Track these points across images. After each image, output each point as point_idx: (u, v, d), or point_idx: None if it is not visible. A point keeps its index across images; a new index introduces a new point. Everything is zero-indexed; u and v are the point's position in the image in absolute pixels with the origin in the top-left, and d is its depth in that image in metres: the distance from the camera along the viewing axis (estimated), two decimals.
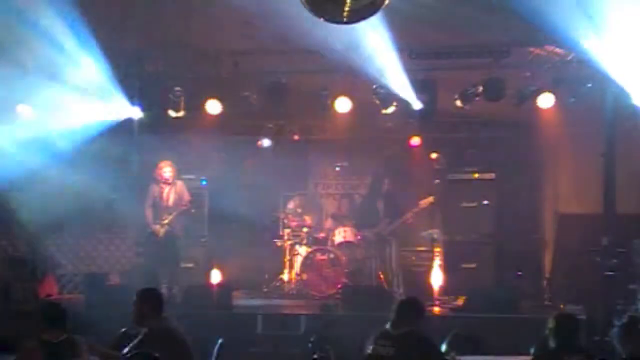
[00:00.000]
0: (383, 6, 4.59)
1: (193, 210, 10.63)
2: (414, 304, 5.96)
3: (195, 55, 9.98)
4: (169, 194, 10.33)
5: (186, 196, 10.44)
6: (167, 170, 10.32)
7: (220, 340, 6.39)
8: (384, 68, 9.44)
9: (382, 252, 10.77)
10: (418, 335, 5.65)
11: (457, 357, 5.91)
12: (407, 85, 9.68)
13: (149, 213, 10.32)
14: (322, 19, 4.70)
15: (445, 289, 10.57)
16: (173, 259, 10.41)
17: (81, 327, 6.00)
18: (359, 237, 11.11)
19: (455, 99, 10.09)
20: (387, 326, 5.73)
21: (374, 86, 9.91)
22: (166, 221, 10.19)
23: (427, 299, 10.16)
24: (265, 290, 11.69)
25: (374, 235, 10.80)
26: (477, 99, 9.90)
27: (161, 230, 10.19)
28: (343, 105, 10.11)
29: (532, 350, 5.73)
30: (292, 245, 11.60)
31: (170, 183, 10.34)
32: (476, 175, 11.42)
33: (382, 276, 10.77)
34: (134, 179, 10.86)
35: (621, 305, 8.52)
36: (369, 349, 5.67)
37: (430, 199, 10.54)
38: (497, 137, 11.81)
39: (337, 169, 12.59)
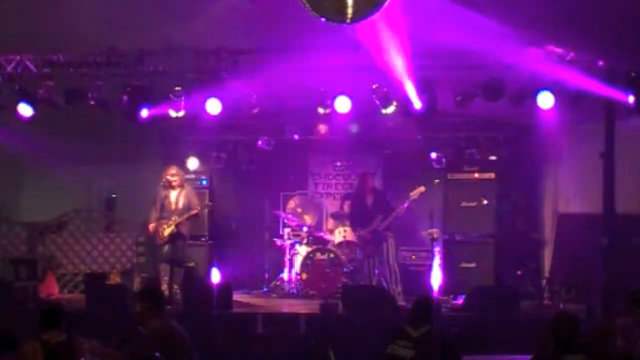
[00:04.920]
0: (384, 6, 4.59)
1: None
2: (431, 303, 5.86)
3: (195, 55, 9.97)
4: (179, 198, 10.38)
5: (195, 200, 10.49)
6: (173, 175, 10.38)
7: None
8: (384, 68, 9.44)
9: (380, 250, 10.77)
10: (438, 336, 5.58)
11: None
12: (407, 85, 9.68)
13: (154, 214, 10.34)
14: (323, 19, 4.70)
15: (445, 289, 10.57)
16: (176, 259, 10.43)
17: (81, 327, 6.01)
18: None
19: (455, 99, 10.07)
20: (405, 326, 5.60)
21: (374, 86, 9.90)
22: (173, 222, 10.23)
23: None
24: (265, 290, 11.70)
25: (369, 233, 10.79)
26: (476, 99, 9.90)
27: (167, 230, 10.21)
28: (343, 105, 10.11)
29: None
30: (292, 245, 11.60)
31: (177, 187, 10.39)
32: (476, 175, 11.42)
33: (381, 275, 10.76)
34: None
35: None
36: (387, 349, 5.56)
37: (421, 188, 10.52)
38: (497, 137, 11.81)
39: (337, 168, 12.59)
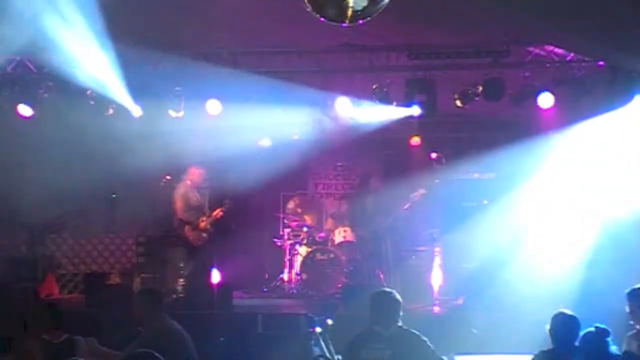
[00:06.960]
0: (384, 5, 4.59)
1: None
2: (397, 298, 5.76)
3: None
4: (198, 198, 10.50)
5: None
6: (202, 175, 10.46)
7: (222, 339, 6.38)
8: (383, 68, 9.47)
9: (379, 250, 10.78)
10: (409, 331, 5.57)
11: (457, 357, 5.89)
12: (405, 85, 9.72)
13: (186, 213, 10.37)
14: (323, 20, 4.69)
15: (445, 289, 10.57)
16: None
17: (81, 327, 6.01)
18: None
19: (455, 99, 10.07)
20: (375, 327, 5.54)
21: (374, 86, 9.91)
22: (205, 223, 10.34)
23: (427, 299, 10.19)
24: (265, 290, 11.69)
25: (369, 234, 10.80)
26: (477, 98, 9.90)
27: (205, 229, 10.35)
28: (344, 105, 10.12)
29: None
30: (292, 245, 11.60)
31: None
32: (476, 175, 11.41)
33: (381, 275, 10.77)
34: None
35: None
36: (360, 354, 5.46)
37: (422, 191, 10.55)
38: (497, 137, 11.81)
39: (337, 168, 12.60)
